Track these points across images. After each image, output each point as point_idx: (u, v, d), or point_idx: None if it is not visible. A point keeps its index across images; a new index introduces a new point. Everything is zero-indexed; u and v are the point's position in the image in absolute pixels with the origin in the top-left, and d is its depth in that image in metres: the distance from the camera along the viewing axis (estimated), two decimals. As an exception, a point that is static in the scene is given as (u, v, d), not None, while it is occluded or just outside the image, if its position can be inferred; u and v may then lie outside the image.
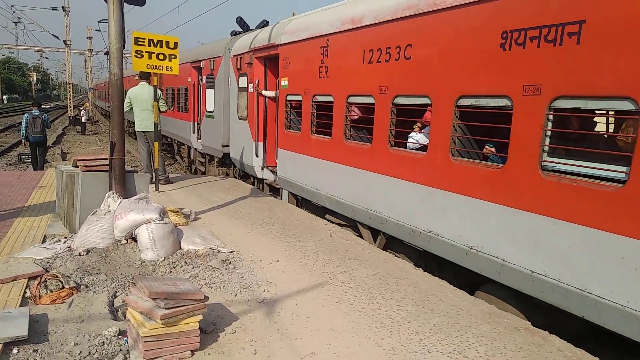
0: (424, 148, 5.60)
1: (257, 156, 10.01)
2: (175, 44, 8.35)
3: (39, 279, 4.21)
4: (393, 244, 6.36)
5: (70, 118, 37.72)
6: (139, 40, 8.04)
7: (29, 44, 53.41)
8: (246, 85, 10.14)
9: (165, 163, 11.08)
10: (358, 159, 6.60)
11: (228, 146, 11.46)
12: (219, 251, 5.44)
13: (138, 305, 3.27)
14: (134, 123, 9.51)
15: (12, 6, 44.75)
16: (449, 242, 5.03)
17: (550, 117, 3.94)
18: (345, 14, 6.78)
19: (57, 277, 4.24)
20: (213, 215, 7.29)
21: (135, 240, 5.29)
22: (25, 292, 4.16)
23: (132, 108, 9.13)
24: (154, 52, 8.16)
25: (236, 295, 4.43)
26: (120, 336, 3.51)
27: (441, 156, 5.10)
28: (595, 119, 4.59)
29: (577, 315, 3.81)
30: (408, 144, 5.99)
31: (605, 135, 4.55)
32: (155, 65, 8.24)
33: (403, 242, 5.97)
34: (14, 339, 3.29)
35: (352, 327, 3.83)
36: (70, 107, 40.05)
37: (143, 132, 9.29)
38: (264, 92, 9.54)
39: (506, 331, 3.86)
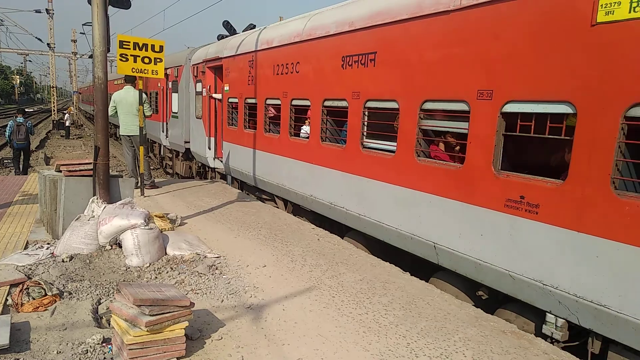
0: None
1: (209, 149, 11.74)
2: (161, 47, 8.29)
3: (20, 286, 4.12)
4: (298, 210, 8.29)
5: (54, 122, 37.21)
6: (124, 43, 7.97)
7: (12, 47, 52.56)
8: (201, 90, 11.89)
9: (151, 167, 11.02)
10: (273, 147, 8.67)
11: (189, 142, 13.05)
12: (205, 256, 5.39)
13: (122, 312, 3.23)
14: (118, 127, 9.43)
15: (-6, 8, 44.02)
16: (321, 201, 7.22)
17: (366, 113, 6.18)
18: (264, 37, 8.87)
19: (39, 284, 4.16)
20: (199, 220, 7.23)
21: (120, 246, 5.22)
22: (6, 300, 4.07)
23: (116, 112, 9.01)
24: (139, 56, 8.09)
25: (223, 301, 4.39)
26: (104, 344, 3.45)
27: (315, 141, 7.35)
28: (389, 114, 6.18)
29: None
30: (301, 134, 7.97)
31: (395, 125, 5.77)
32: (141, 69, 8.16)
33: (301, 207, 8.02)
34: (-6, 348, 3.21)
35: (340, 332, 3.82)
36: (54, 110, 39.49)
37: (128, 136, 9.18)
38: (214, 95, 11.29)
39: (493, 334, 3.88)
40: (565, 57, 3.81)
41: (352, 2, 6.76)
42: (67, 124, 31.70)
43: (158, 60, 8.26)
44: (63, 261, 4.89)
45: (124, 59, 7.93)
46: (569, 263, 3.80)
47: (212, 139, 11.61)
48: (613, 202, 3.51)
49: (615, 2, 3.47)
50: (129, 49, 7.97)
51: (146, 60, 8.15)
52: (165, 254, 5.35)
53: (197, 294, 4.50)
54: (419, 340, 3.74)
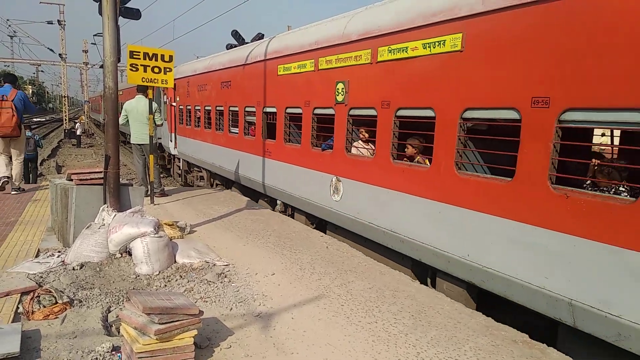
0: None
1: (171, 141, 15.60)
2: (171, 57, 8.38)
3: (31, 294, 4.16)
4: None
5: (66, 131, 37.65)
6: (134, 53, 8.07)
7: (25, 57, 53.37)
8: (167, 100, 15.94)
9: (161, 175, 11.10)
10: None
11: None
12: (214, 264, 5.40)
13: (132, 320, 3.24)
14: (129, 135, 9.53)
15: (7, 20, 44.86)
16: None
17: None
18: (195, 66, 13.77)
19: (50, 292, 4.19)
20: (208, 228, 7.25)
21: (130, 254, 5.25)
22: (17, 308, 4.11)
23: (128, 121, 9.11)
24: (149, 66, 8.19)
25: (232, 309, 4.39)
26: (113, 352, 3.46)
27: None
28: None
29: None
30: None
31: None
32: (150, 79, 8.26)
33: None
34: (6, 355, 3.23)
35: (349, 341, 3.80)
36: (65, 120, 39.99)
37: (139, 144, 9.27)
38: (172, 104, 15.15)
39: (504, 344, 3.83)
40: None
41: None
42: (78, 132, 32.05)
43: (168, 70, 8.35)
44: (74, 269, 4.92)
45: (134, 69, 8.03)
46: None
47: (173, 134, 15.47)
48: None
49: None
50: (139, 58, 8.08)
51: (156, 69, 8.25)
52: (175, 262, 5.37)
53: (206, 302, 4.50)
54: (429, 349, 3.70)
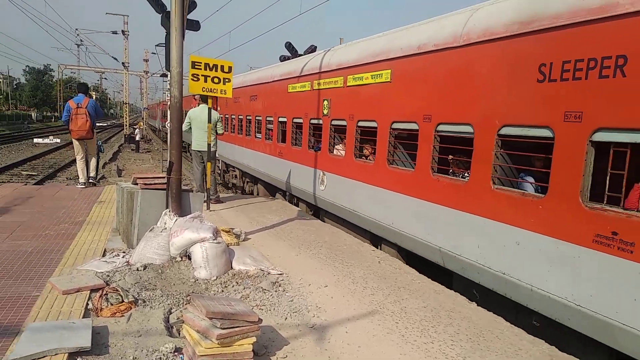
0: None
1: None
2: (230, 68, 8.65)
3: (100, 291, 4.37)
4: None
5: (126, 136, 39.54)
6: (196, 64, 8.39)
7: (90, 65, 56.74)
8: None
9: (217, 182, 11.44)
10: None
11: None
12: (268, 273, 5.48)
13: (195, 323, 3.34)
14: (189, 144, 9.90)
15: (76, 29, 47.90)
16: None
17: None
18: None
19: (117, 290, 4.40)
20: (261, 236, 7.38)
21: (189, 258, 5.42)
22: (87, 304, 4.33)
23: (190, 128, 9.44)
24: (209, 76, 8.47)
25: (286, 318, 4.44)
26: (176, 353, 3.57)
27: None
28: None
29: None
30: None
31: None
32: (210, 89, 8.54)
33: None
34: (79, 349, 3.41)
35: (405, 360, 3.74)
36: (126, 125, 42.03)
37: (199, 151, 9.56)
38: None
39: (569, 375, 3.65)
40: None
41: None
42: (137, 138, 33.56)
43: (227, 80, 8.61)
44: (137, 270, 5.14)
45: (195, 79, 8.34)
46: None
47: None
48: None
49: None
50: (200, 69, 8.38)
51: (215, 80, 8.52)
52: (231, 268, 5.49)
53: (262, 309, 4.57)
54: (488, 374, 3.59)
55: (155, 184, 5.92)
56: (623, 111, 3.81)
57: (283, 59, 16.65)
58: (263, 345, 3.77)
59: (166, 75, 18.22)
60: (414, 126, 6.39)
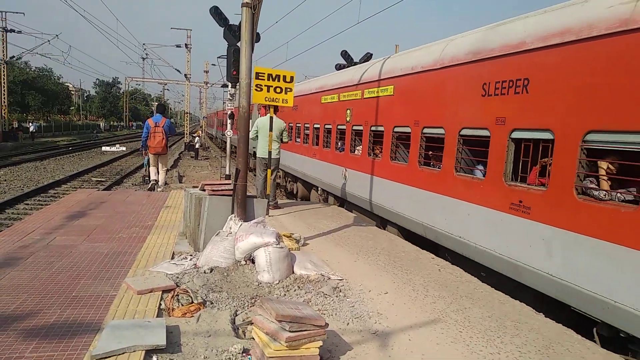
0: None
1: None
2: (292, 78, 8.81)
3: (172, 292, 4.61)
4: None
5: (186, 144, 41.15)
6: (260, 74, 8.62)
7: (154, 77, 59.73)
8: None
9: (276, 190, 11.76)
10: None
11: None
12: (329, 278, 5.55)
13: (264, 325, 3.45)
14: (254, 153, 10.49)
15: (143, 44, 50.62)
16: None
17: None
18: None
19: (187, 292, 4.62)
20: (319, 242, 7.47)
21: (253, 262, 5.60)
22: (160, 304, 4.57)
23: (257, 136, 9.82)
24: (272, 86, 8.69)
25: (348, 324, 4.48)
26: (244, 354, 3.70)
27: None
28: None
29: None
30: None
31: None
32: (273, 98, 8.75)
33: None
34: (155, 347, 3.62)
35: (471, 370, 3.68)
36: (186, 134, 43.76)
37: (264, 158, 9.84)
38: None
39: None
40: None
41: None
42: (197, 146, 34.81)
43: (288, 90, 8.79)
44: (205, 272, 5.37)
45: (258, 89, 8.57)
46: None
47: None
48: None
49: None
50: (264, 79, 8.61)
51: (278, 90, 8.71)
52: (293, 272, 5.62)
53: (324, 314, 4.63)
54: (561, 389, 3.45)
55: (222, 190, 6.17)
56: (527, 117, 5.58)
57: (339, 67, 16.83)
58: (327, 350, 3.84)
59: (227, 86, 18.73)
60: (407, 129, 8.23)
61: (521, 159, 5.73)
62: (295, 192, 16.78)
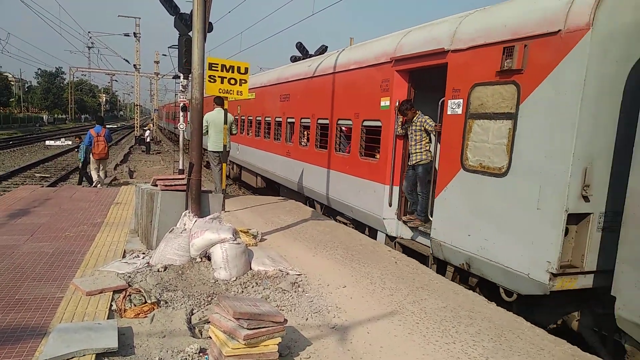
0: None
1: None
2: (246, 69, 8.67)
3: (124, 292, 4.43)
4: None
5: (136, 137, 39.79)
6: (213, 65, 8.42)
7: (101, 67, 57.26)
8: None
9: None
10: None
11: None
12: (287, 273, 5.51)
13: (221, 324, 3.37)
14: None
15: (88, 32, 48.36)
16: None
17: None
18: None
19: (140, 291, 4.45)
20: (278, 237, 7.41)
21: (209, 259, 5.46)
22: (111, 305, 4.38)
23: (207, 131, 9.71)
24: (225, 77, 8.51)
25: (307, 319, 4.46)
26: (201, 354, 3.61)
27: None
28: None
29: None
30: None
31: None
32: (227, 90, 8.58)
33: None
34: (106, 350, 3.46)
35: (428, 360, 3.75)
36: (137, 127, 42.30)
37: (217, 152, 9.85)
38: None
39: (594, 376, 3.64)
40: None
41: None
42: (148, 140, 33.72)
43: (243, 81, 8.64)
44: (158, 271, 5.19)
45: (212, 80, 8.37)
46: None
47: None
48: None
49: None
50: (217, 70, 8.42)
51: (232, 81, 8.55)
52: (250, 268, 5.53)
53: (283, 310, 4.59)
54: (513, 375, 3.58)
55: (175, 185, 5.98)
56: (367, 112, 8.09)
57: (294, 59, 16.71)
58: (286, 346, 3.80)
59: (178, 77, 18.20)
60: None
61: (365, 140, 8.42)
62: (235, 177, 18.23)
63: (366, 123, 8.11)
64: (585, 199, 4.54)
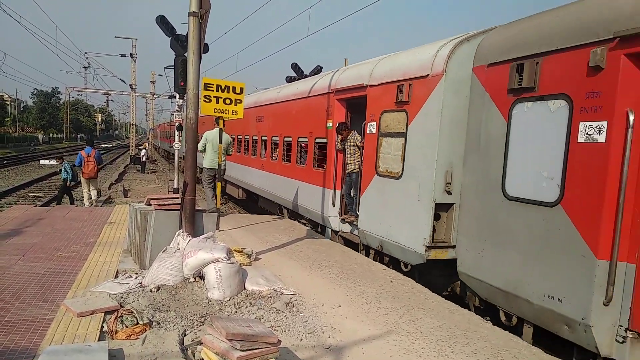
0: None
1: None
2: (241, 89, 8.70)
3: (115, 313, 4.36)
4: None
5: (132, 157, 39.78)
6: (208, 85, 8.46)
7: (97, 87, 57.49)
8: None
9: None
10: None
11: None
12: (282, 293, 5.46)
13: (214, 345, 3.32)
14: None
15: (85, 52, 48.67)
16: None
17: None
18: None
19: (131, 312, 4.38)
20: (272, 256, 7.36)
21: (203, 279, 5.41)
22: (102, 326, 4.31)
23: (205, 149, 10.14)
24: (221, 97, 8.55)
25: (301, 340, 4.40)
26: (193, 376, 3.54)
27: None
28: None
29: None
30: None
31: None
32: (222, 109, 8.60)
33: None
34: (96, 373, 3.39)
35: (424, 381, 3.70)
36: (132, 146, 42.33)
37: (212, 169, 10.20)
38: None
39: (592, 396, 3.59)
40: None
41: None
42: (144, 159, 33.70)
43: (238, 101, 8.66)
44: (151, 291, 5.13)
45: (207, 100, 8.40)
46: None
47: None
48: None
49: None
50: (212, 90, 8.46)
51: (227, 101, 8.58)
52: (244, 288, 5.47)
53: (277, 330, 4.53)
54: (510, 396, 3.53)
55: (169, 204, 5.95)
56: (318, 132, 9.79)
57: (289, 79, 16.87)
58: (280, 367, 3.74)
59: (174, 97, 18.31)
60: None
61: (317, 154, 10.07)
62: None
63: (317, 140, 9.99)
64: (449, 193, 6.23)
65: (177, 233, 5.81)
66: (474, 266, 5.62)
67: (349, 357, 4.07)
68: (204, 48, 8.81)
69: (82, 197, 14.86)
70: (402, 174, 6.86)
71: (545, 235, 4.58)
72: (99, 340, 4.04)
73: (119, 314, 4.33)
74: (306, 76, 16.44)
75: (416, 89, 6.59)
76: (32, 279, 5.58)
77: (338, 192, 9.10)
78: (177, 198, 5.95)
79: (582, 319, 4.14)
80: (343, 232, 9.10)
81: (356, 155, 8.49)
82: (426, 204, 6.29)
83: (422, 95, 6.43)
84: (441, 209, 6.29)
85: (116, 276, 5.75)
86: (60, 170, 15.32)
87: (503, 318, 5.32)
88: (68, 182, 14.65)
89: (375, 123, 7.60)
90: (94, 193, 14.62)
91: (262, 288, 5.47)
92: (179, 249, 5.62)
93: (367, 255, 8.03)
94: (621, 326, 4.06)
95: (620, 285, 4.03)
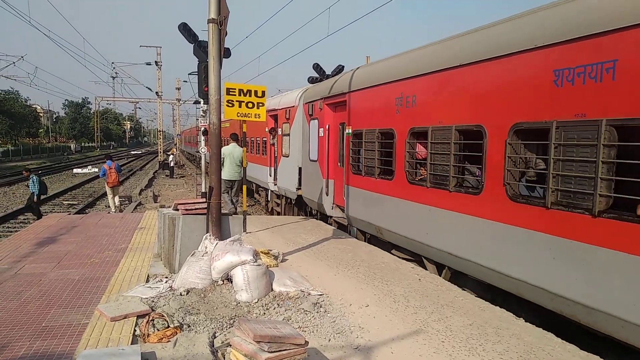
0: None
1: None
2: (263, 92, 8.78)
3: (147, 317, 4.46)
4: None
5: (160, 162, 40.56)
6: (231, 90, 8.57)
7: (125, 96, 58.91)
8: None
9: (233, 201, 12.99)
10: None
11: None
12: (309, 294, 5.47)
13: (242, 347, 3.36)
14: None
15: (112, 63, 49.90)
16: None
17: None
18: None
19: (162, 316, 4.47)
20: (299, 257, 7.39)
21: (231, 281, 5.47)
22: (135, 330, 4.42)
23: (223, 162, 10.75)
24: (243, 101, 8.64)
25: (330, 340, 4.40)
26: (223, 378, 3.59)
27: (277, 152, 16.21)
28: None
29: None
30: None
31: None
32: (245, 113, 8.69)
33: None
34: (129, 376, 3.48)
35: (455, 380, 3.64)
36: (160, 153, 43.14)
37: (231, 180, 11.36)
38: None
39: (631, 394, 3.48)
40: None
41: None
42: (172, 164, 34.32)
43: (260, 104, 8.75)
44: (181, 295, 5.22)
45: (230, 105, 8.51)
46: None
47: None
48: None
49: None
50: (235, 95, 8.55)
51: (250, 105, 8.67)
52: (272, 290, 5.51)
53: (305, 331, 4.55)
54: (544, 394, 3.45)
55: (196, 209, 6.04)
56: (262, 134, 16.79)
57: (312, 80, 16.93)
58: (309, 368, 3.75)
59: (199, 102, 18.60)
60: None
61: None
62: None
63: (265, 139, 15.48)
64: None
65: (204, 237, 5.90)
66: (305, 192, 12.00)
67: (377, 357, 4.05)
68: (225, 53, 8.91)
69: (108, 204, 17.04)
70: (289, 154, 13.12)
71: (315, 173, 11.08)
72: (131, 343, 4.15)
73: (150, 318, 4.42)
74: (328, 76, 16.48)
75: (292, 112, 12.99)
76: (68, 285, 5.76)
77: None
78: (204, 202, 6.04)
79: (322, 202, 10.96)
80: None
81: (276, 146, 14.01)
82: (296, 168, 12.41)
83: (293, 115, 12.79)
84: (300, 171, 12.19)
85: (147, 280, 5.88)
86: (28, 184, 14.88)
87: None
88: (35, 197, 14.24)
89: (280, 129, 14.23)
90: (117, 199, 16.76)
91: (290, 289, 5.49)
92: (206, 253, 5.70)
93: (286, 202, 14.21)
94: (333, 203, 10.42)
95: (331, 188, 10.45)
